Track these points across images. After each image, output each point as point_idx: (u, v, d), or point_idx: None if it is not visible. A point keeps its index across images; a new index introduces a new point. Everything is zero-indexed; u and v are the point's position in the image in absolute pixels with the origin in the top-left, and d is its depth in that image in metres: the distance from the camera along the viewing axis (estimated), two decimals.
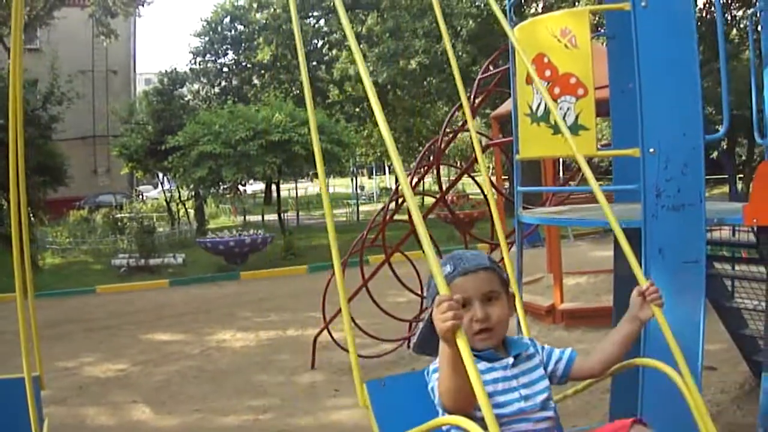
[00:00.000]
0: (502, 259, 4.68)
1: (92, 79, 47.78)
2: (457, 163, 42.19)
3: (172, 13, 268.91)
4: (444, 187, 12.21)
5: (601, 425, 3.65)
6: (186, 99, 39.92)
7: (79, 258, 27.15)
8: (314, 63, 48.04)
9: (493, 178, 14.02)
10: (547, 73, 4.93)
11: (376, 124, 45.60)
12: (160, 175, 35.28)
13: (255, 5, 48.81)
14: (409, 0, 37.83)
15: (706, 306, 4.75)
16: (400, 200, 11.84)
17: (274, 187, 32.38)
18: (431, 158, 12.16)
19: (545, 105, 4.94)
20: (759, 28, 6.13)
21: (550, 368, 3.44)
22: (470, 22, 35.87)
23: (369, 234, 11.26)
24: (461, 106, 12.57)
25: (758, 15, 6.49)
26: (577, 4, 32.07)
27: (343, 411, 8.70)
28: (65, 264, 26.00)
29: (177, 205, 35.01)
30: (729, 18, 33.80)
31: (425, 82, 39.12)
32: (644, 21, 4.71)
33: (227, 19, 50.71)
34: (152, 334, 14.22)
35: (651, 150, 4.66)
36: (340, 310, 10.85)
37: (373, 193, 55.97)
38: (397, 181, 38.69)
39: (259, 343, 12.84)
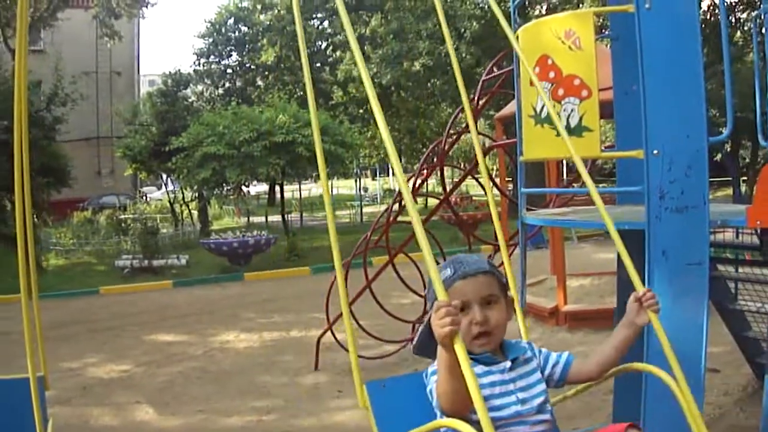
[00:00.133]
0: (503, 263, 4.67)
1: (96, 80, 47.79)
2: (460, 164, 42.18)
3: (176, 15, 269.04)
4: (447, 189, 12.22)
5: (604, 426, 3.67)
6: (190, 100, 39.93)
7: (83, 259, 27.16)
8: (318, 64, 48.11)
9: (497, 180, 13.99)
10: (551, 74, 4.93)
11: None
12: (164, 176, 35.28)
13: (259, 7, 48.93)
14: (413, 2, 37.82)
15: (709, 308, 4.75)
16: (403, 202, 11.86)
17: (277, 188, 32.41)
18: (435, 160, 12.17)
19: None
20: (763, 30, 6.14)
21: (547, 372, 3.48)
22: (474, 23, 35.85)
23: (372, 235, 11.27)
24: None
25: (762, 17, 6.50)
26: (581, 6, 32.04)
27: (347, 412, 8.70)
28: (69, 265, 26.01)
29: (180, 206, 35.02)
30: (733, 20, 33.81)
31: (429, 84, 39.12)
32: (648, 23, 4.71)
33: (231, 21, 50.86)
34: (156, 335, 14.23)
35: (655, 152, 4.66)
36: (342, 313, 10.88)
37: (376, 195, 55.96)
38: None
39: (263, 344, 12.85)
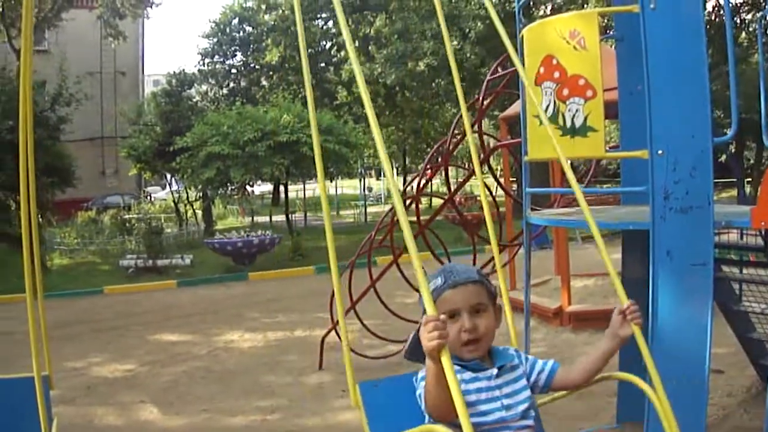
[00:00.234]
0: (493, 271, 4.68)
1: (100, 80, 47.80)
2: (465, 164, 42.19)
3: (181, 15, 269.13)
4: (452, 189, 12.22)
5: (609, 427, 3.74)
6: (194, 100, 39.87)
7: (87, 259, 27.19)
8: (322, 65, 48.12)
9: (501, 180, 13.97)
10: (556, 74, 4.94)
11: (384, 126, 45.56)
12: (168, 176, 35.29)
13: (263, 7, 48.92)
14: (418, 2, 37.84)
15: (713, 309, 4.75)
16: (407, 202, 11.86)
17: (282, 188, 32.42)
18: (439, 159, 12.16)
19: (554, 107, 4.95)
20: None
21: (532, 378, 3.59)
22: (478, 24, 35.82)
23: (377, 235, 11.27)
24: (470, 107, 12.60)
25: (767, 18, 6.49)
26: (585, 6, 32.03)
27: (351, 412, 8.68)
28: (73, 265, 26.04)
29: (185, 206, 35.03)
30: (738, 21, 33.73)
31: (433, 84, 39.10)
32: (653, 23, 4.72)
33: (236, 21, 50.83)
34: (160, 335, 14.24)
35: (659, 152, 4.66)
36: (347, 311, 10.88)
37: (380, 195, 55.93)
38: (405, 182, 38.54)
39: (267, 344, 12.85)
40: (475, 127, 11.31)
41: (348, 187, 59.80)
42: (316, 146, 4.44)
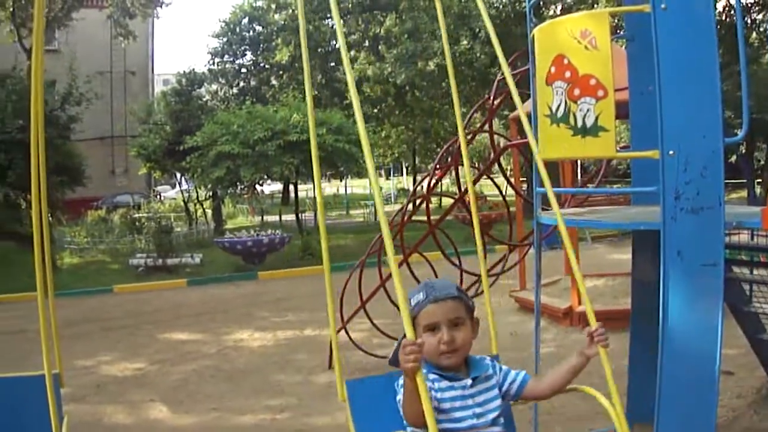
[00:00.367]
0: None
1: (110, 79, 47.90)
2: (475, 164, 42.16)
3: (191, 14, 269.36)
4: (462, 189, 12.21)
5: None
6: (204, 99, 39.91)
7: (97, 258, 27.24)
8: (332, 64, 48.09)
9: (509, 180, 13.94)
10: (567, 74, 4.92)
11: (394, 125, 45.56)
12: (178, 175, 35.34)
13: (273, 6, 48.96)
14: (428, 1, 37.81)
15: (724, 310, 4.74)
16: (418, 201, 11.86)
17: (291, 187, 32.42)
18: (449, 159, 12.16)
19: (565, 106, 4.94)
20: None
21: (505, 388, 3.91)
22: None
23: None
24: (480, 107, 12.59)
25: None
26: (595, 6, 31.98)
27: None
28: (83, 264, 26.09)
29: (195, 205, 35.07)
30: (749, 21, 33.65)
31: (443, 84, 39.06)
32: (664, 23, 4.70)
33: (245, 20, 50.85)
34: (170, 334, 14.27)
35: (670, 152, 4.65)
36: (357, 311, 10.89)
37: (390, 194, 55.91)
38: (414, 182, 38.43)
39: (277, 343, 12.86)
40: (486, 126, 11.31)
41: (357, 186, 59.83)
42: (313, 148, 4.81)
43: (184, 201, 35.48)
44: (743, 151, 34.80)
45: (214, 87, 51.22)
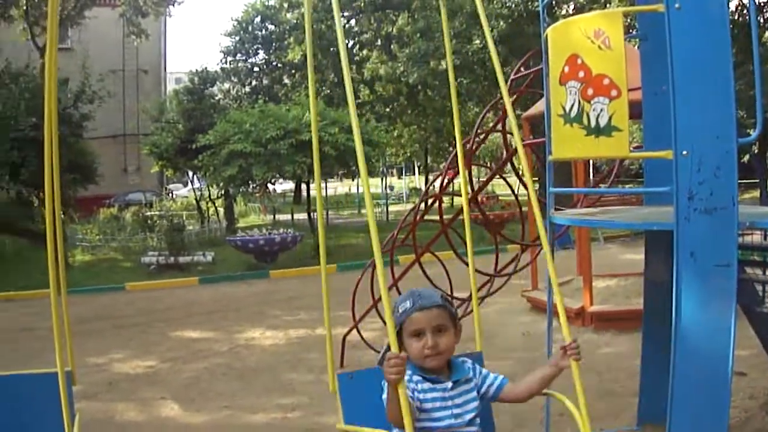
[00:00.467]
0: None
1: (123, 78, 48.09)
2: (487, 163, 42.12)
3: (203, 13, 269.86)
4: (475, 188, 12.20)
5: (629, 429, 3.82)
6: (216, 98, 39.97)
7: (109, 255, 27.30)
8: None
9: (522, 179, 13.90)
10: (581, 74, 4.91)
11: (406, 125, 45.55)
12: (190, 173, 35.40)
13: (285, 5, 48.92)
14: (440, 0, 37.78)
15: (737, 310, 4.73)
16: (430, 201, 11.85)
17: (303, 186, 32.41)
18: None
19: (579, 106, 4.93)
20: None
21: (483, 389, 4.22)
22: (501, 23, 35.74)
23: (399, 234, 11.27)
24: (493, 106, 12.58)
25: None
26: (608, 5, 31.93)
27: None
28: (95, 261, 26.15)
29: (207, 203, 35.11)
30: (762, 20, 33.56)
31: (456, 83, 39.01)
32: (678, 23, 4.69)
33: (258, 19, 50.82)
34: (181, 332, 14.29)
35: (684, 152, 4.64)
36: (369, 309, 10.89)
37: (402, 193, 55.92)
38: (427, 181, 38.34)
39: (289, 342, 12.87)
40: (498, 126, 11.30)
41: (370, 185, 59.91)
42: (315, 150, 5.12)
43: (196, 199, 35.53)
44: (756, 150, 34.73)
45: (227, 85, 51.21)
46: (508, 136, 11.78)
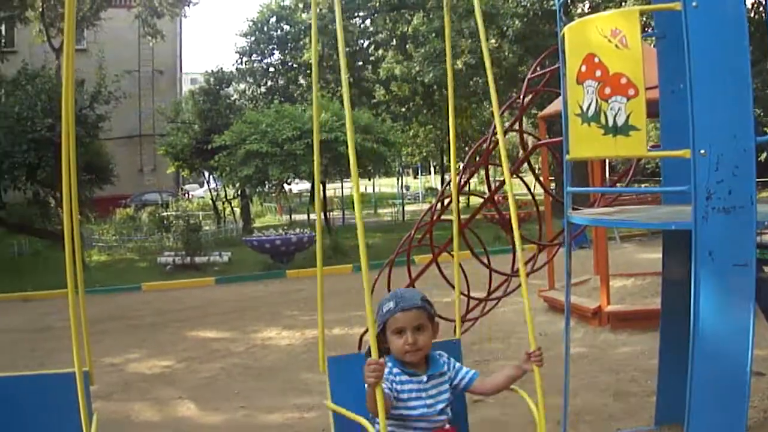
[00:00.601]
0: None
1: (138, 79, 48.19)
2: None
3: (218, 14, 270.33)
4: (492, 188, 12.17)
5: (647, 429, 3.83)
6: (232, 98, 40.05)
7: (125, 256, 27.42)
8: (360, 63, 48.08)
9: (539, 178, 13.88)
10: (598, 73, 4.90)
11: (422, 124, 45.53)
12: (206, 173, 35.48)
13: (301, 5, 48.91)
14: (455, 0, 37.78)
15: (755, 310, 4.71)
16: (446, 201, 11.83)
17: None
18: (477, 159, 12.13)
19: (596, 105, 4.92)
20: None
21: (455, 382, 4.70)
22: (516, 22, 35.72)
23: (416, 234, 11.25)
24: (509, 106, 12.56)
25: None
26: (623, 4, 31.85)
27: None
28: (111, 261, 26.26)
29: (223, 203, 35.19)
30: None
31: (471, 82, 38.98)
32: (695, 21, 4.67)
33: (273, 20, 50.86)
34: (198, 332, 14.33)
35: (702, 151, 4.61)
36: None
37: (418, 193, 55.93)
38: (442, 181, 38.27)
39: (305, 342, 12.87)
40: (515, 125, 11.28)
41: (386, 185, 59.86)
42: (316, 151, 5.13)
43: (212, 199, 35.63)
44: None
45: (242, 86, 51.29)
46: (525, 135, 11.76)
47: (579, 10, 34.25)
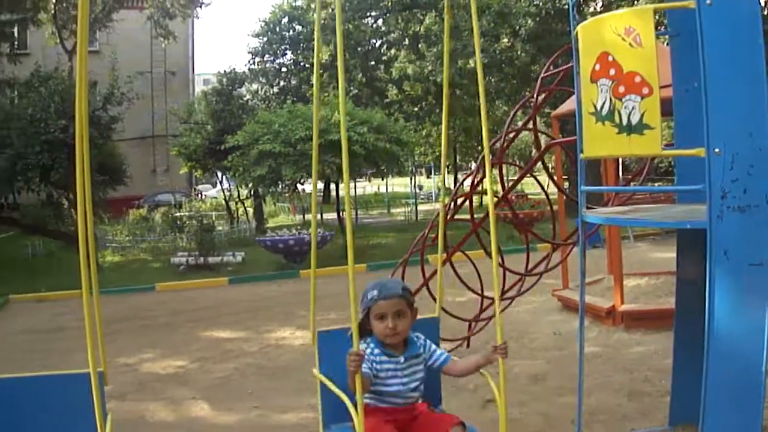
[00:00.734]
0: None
1: (150, 80, 48.30)
2: (517, 162, 42.01)
3: (230, 14, 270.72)
4: (505, 187, 12.16)
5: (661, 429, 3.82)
6: (245, 99, 40.09)
7: (139, 256, 27.46)
8: (372, 62, 48.06)
9: (552, 177, 13.87)
10: (612, 71, 4.89)
11: (434, 124, 45.52)
12: (219, 174, 35.52)
13: (313, 6, 48.90)
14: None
15: None
16: (460, 200, 11.82)
17: (332, 186, 32.48)
18: (491, 158, 12.11)
19: (610, 104, 4.91)
20: None
21: (430, 362, 5.27)
22: (529, 21, 35.69)
23: (430, 233, 11.24)
24: (523, 105, 12.54)
25: None
26: (637, 2, 31.78)
27: None
28: (125, 262, 26.30)
29: (236, 203, 35.23)
30: None
31: (484, 82, 38.90)
32: (709, 19, 4.65)
33: (285, 20, 50.81)
34: (211, 332, 14.33)
35: (716, 150, 4.60)
36: None
37: (431, 193, 55.93)
38: (456, 181, 38.30)
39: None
40: (529, 125, 11.27)
41: (398, 185, 59.85)
42: (314, 150, 5.42)
43: (225, 200, 35.67)
44: None
45: (255, 86, 51.26)
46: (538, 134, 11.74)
47: (592, 9, 34.21)
